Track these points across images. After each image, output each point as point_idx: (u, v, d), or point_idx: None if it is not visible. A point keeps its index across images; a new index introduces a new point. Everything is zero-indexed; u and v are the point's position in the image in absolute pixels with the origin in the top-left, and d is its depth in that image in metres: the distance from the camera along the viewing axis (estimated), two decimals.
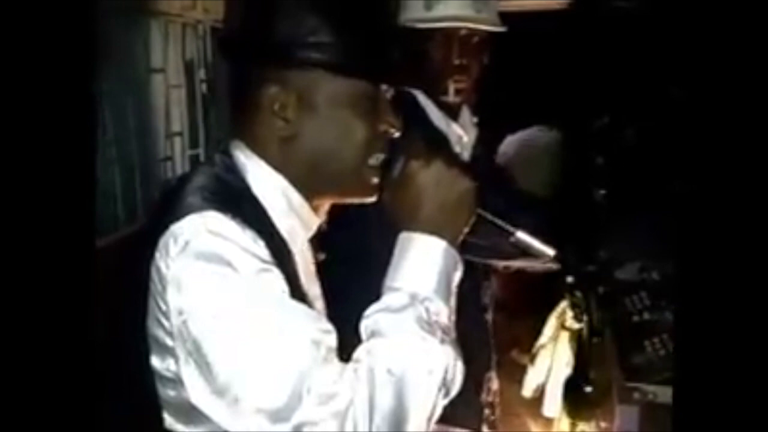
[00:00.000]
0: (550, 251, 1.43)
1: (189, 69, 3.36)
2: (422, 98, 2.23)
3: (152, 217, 1.25)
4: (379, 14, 1.33)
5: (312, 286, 1.36)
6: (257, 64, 1.27)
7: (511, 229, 1.44)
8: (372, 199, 1.34)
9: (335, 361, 1.13)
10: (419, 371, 1.13)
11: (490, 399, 2.42)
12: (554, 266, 2.39)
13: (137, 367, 1.23)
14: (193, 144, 3.43)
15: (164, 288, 1.15)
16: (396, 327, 1.17)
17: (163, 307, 1.16)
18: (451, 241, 1.27)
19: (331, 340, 1.14)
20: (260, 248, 1.16)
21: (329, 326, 1.16)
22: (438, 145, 1.41)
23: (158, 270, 1.16)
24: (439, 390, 1.15)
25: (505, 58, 2.38)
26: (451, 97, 2.20)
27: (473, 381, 2.26)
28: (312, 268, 1.38)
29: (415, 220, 1.28)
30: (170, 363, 1.18)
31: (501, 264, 2.45)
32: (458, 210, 1.30)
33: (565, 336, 3.02)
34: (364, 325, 1.21)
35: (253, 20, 1.28)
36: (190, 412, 1.17)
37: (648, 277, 2.36)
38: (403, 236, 1.28)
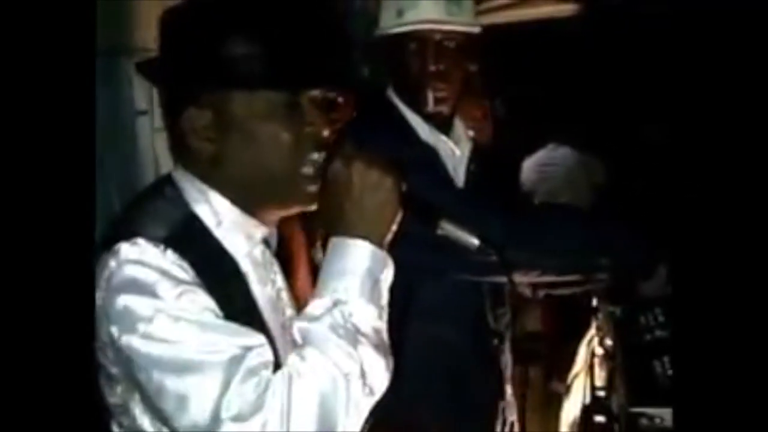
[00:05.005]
0: (475, 241, 1.33)
1: None
2: (408, 113, 2.13)
3: (98, 249, 1.26)
4: (288, 24, 1.29)
5: (272, 291, 1.37)
6: (174, 85, 1.29)
7: (435, 219, 1.35)
8: (313, 208, 1.32)
9: (262, 374, 1.14)
10: (335, 377, 1.16)
11: (506, 431, 2.27)
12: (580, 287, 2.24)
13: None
14: None
15: (100, 318, 1.19)
16: (313, 335, 1.20)
17: (104, 338, 1.19)
18: (378, 243, 1.27)
19: (257, 355, 1.16)
20: (182, 270, 1.19)
21: (257, 341, 1.18)
22: (368, 146, 1.30)
23: (96, 301, 1.19)
24: (361, 390, 1.18)
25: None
26: (431, 107, 2.09)
27: (483, 409, 2.20)
28: (270, 274, 1.38)
29: (340, 224, 1.27)
30: (117, 389, 1.22)
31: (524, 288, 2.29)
32: (382, 210, 1.28)
33: (597, 363, 2.87)
34: (294, 333, 1.23)
35: (165, 41, 1.30)
36: None
37: (665, 291, 2.19)
38: (331, 241, 1.28)
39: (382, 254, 1.27)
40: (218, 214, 1.28)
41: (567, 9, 4.37)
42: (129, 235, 1.20)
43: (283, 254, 1.42)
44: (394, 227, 1.30)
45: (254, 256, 1.33)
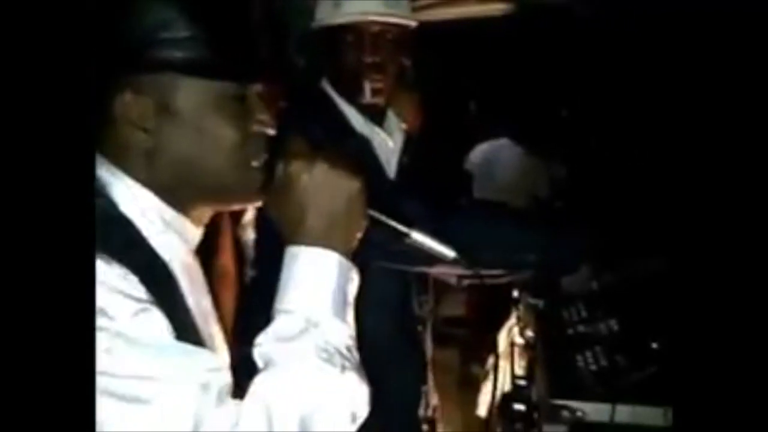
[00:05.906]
0: (450, 252, 1.30)
1: None
2: (343, 104, 2.16)
3: None
4: (236, 9, 1.17)
5: (202, 300, 1.23)
6: (105, 68, 1.11)
7: (406, 229, 1.29)
8: (257, 203, 1.22)
9: (229, 400, 1.02)
10: (323, 406, 1.05)
11: (429, 414, 2.37)
12: (505, 279, 2.32)
13: None
14: None
15: None
16: (292, 358, 1.07)
17: None
18: (344, 251, 1.16)
19: (222, 377, 1.03)
20: (132, 285, 1.02)
21: (218, 361, 1.06)
22: (324, 143, 1.21)
23: None
24: (347, 419, 1.08)
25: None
26: (368, 98, 2.12)
27: (406, 394, 2.26)
28: (201, 280, 1.25)
29: (300, 232, 1.15)
30: None
31: (450, 278, 2.37)
32: (348, 215, 1.17)
33: (516, 352, 2.94)
34: (257, 353, 1.11)
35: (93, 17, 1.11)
36: None
37: (587, 287, 2.27)
38: (290, 251, 1.15)
39: (349, 264, 1.17)
40: (146, 212, 1.13)
41: (497, 8, 4.45)
42: None
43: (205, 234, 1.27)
44: (359, 235, 1.20)
45: (185, 260, 1.19)
